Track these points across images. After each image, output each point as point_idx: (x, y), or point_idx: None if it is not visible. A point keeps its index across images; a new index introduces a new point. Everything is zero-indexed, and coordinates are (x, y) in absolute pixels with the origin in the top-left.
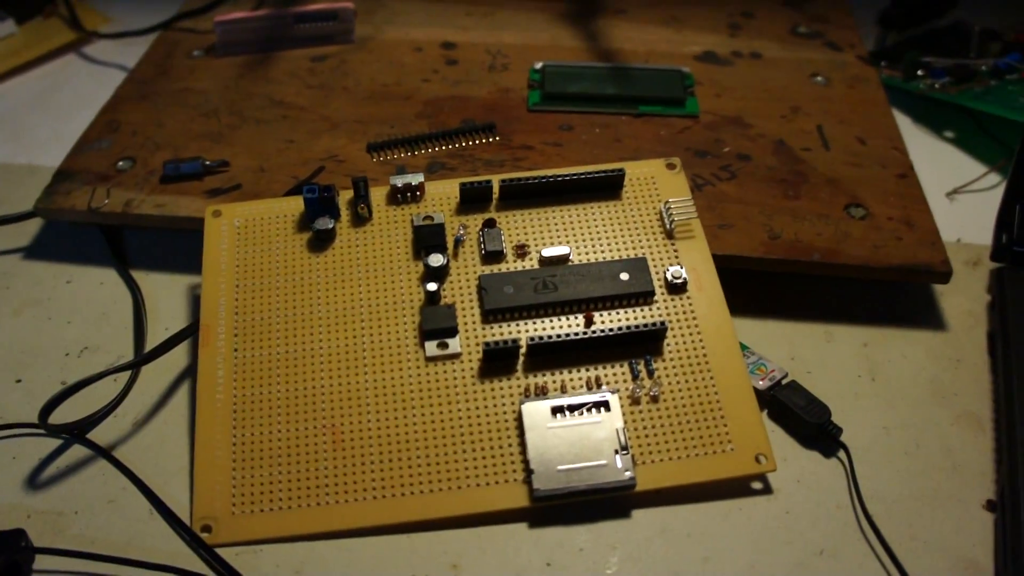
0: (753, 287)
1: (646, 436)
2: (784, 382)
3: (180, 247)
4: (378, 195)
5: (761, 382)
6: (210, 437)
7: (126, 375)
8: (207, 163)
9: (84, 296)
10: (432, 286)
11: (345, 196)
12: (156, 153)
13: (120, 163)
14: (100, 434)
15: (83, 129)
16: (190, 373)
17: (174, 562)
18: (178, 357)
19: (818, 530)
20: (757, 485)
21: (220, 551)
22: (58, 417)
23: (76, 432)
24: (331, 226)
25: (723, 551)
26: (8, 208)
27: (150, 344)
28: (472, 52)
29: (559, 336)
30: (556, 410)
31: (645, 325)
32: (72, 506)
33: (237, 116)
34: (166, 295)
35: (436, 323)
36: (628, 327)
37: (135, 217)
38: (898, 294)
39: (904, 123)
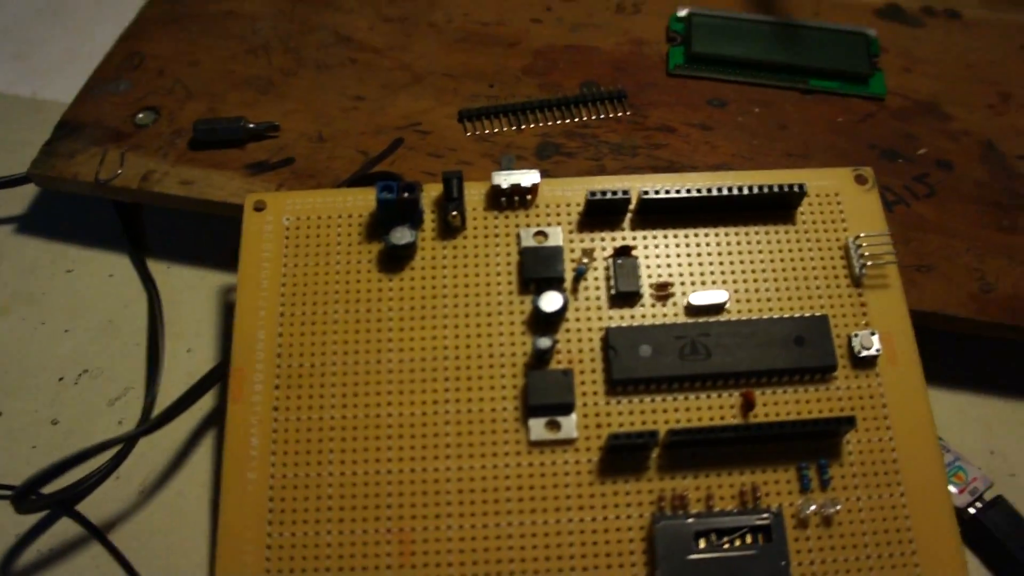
0: (946, 347)
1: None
2: (987, 496)
3: (214, 231)
4: (475, 193)
5: (958, 494)
6: (237, 536)
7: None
8: (251, 125)
9: (88, 293)
10: (545, 343)
11: (431, 191)
12: (186, 104)
13: (140, 115)
14: (94, 506)
15: (101, 52)
16: (216, 423)
17: None
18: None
19: None
20: None
21: None
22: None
23: (63, 503)
24: (411, 240)
25: None
26: (5, 154)
27: (167, 370)
28: None
29: (710, 428)
30: (700, 535)
31: (828, 418)
32: None
33: (293, 56)
34: (191, 298)
35: (547, 395)
36: (804, 420)
37: (154, 196)
38: None
39: None
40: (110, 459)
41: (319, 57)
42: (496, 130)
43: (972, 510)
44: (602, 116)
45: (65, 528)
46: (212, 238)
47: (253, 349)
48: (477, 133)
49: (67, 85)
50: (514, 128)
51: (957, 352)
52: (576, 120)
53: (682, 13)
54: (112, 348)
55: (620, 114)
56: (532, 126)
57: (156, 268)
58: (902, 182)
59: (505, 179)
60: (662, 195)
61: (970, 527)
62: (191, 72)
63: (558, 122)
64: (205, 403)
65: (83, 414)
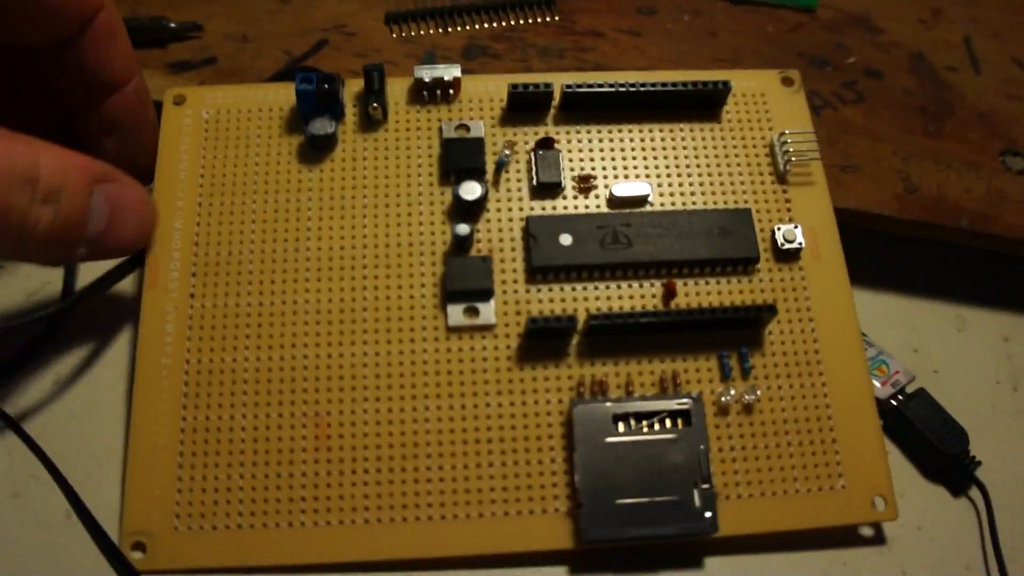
0: (871, 248)
1: (734, 462)
2: (909, 389)
3: None
4: (397, 89)
5: (881, 387)
6: (151, 420)
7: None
8: (173, 25)
9: None
10: (463, 229)
11: (352, 87)
12: None
13: None
14: (8, 396)
15: None
16: (133, 315)
17: None
18: (121, 289)
19: None
20: (867, 532)
21: None
22: None
23: None
24: (331, 131)
25: None
26: None
27: (85, 265)
28: None
29: (630, 312)
30: (619, 418)
31: (749, 305)
32: None
33: None
34: None
35: (465, 281)
36: (725, 307)
37: None
38: None
39: None
40: (25, 346)
41: None
42: (423, 32)
43: (894, 402)
44: (530, 20)
45: None
46: None
47: (170, 237)
48: (403, 35)
49: None
50: (440, 31)
51: (883, 254)
52: (504, 24)
53: None
54: None
55: (548, 19)
56: (459, 29)
57: None
58: (831, 88)
59: (428, 73)
60: (585, 89)
61: (891, 418)
62: None
63: (486, 25)
64: (125, 292)
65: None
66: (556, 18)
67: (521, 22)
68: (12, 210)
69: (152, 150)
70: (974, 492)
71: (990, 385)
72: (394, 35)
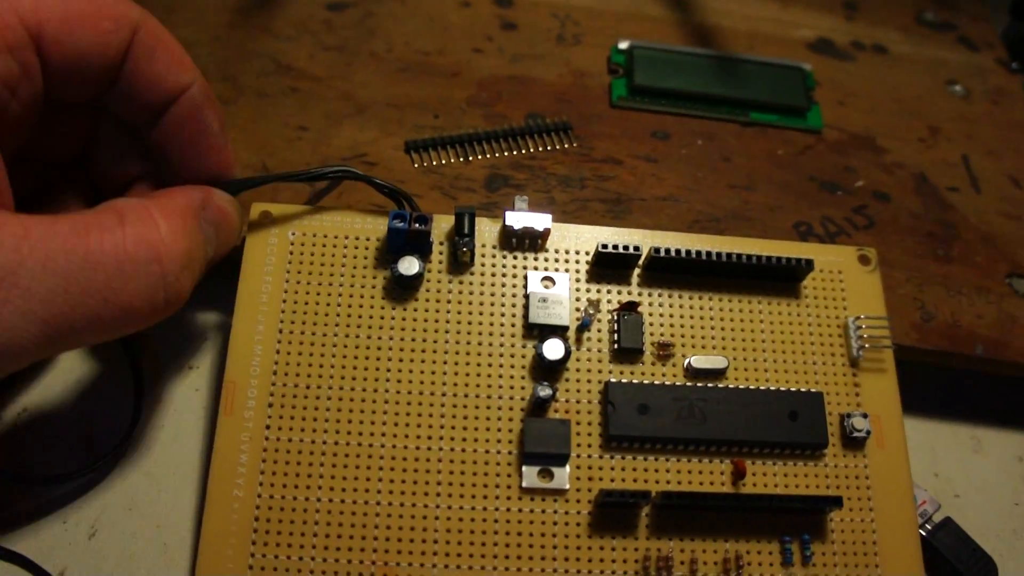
0: None
1: None
2: (936, 518)
3: None
4: (483, 231)
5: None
6: (219, 552)
7: None
8: None
9: None
10: (545, 392)
11: (440, 223)
12: None
13: None
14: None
15: None
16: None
17: None
18: (182, 424)
19: None
20: None
21: None
22: None
23: None
24: (418, 271)
25: None
26: None
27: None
28: (534, 14)
29: (700, 494)
30: None
31: (815, 496)
32: None
33: (231, 84)
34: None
35: (543, 444)
36: (792, 496)
37: None
38: None
39: None
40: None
41: (259, 85)
42: (444, 161)
43: (923, 532)
44: (548, 148)
45: None
46: None
47: (248, 363)
48: (424, 164)
49: None
50: (462, 160)
51: (901, 380)
52: (523, 152)
53: (623, 45)
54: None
55: (567, 145)
56: (480, 157)
57: None
58: (842, 214)
59: (519, 221)
60: (672, 255)
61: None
62: None
63: (505, 154)
64: (188, 430)
65: None
66: (574, 144)
67: (540, 149)
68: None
69: (223, 152)
70: None
71: (1009, 507)
72: (415, 164)
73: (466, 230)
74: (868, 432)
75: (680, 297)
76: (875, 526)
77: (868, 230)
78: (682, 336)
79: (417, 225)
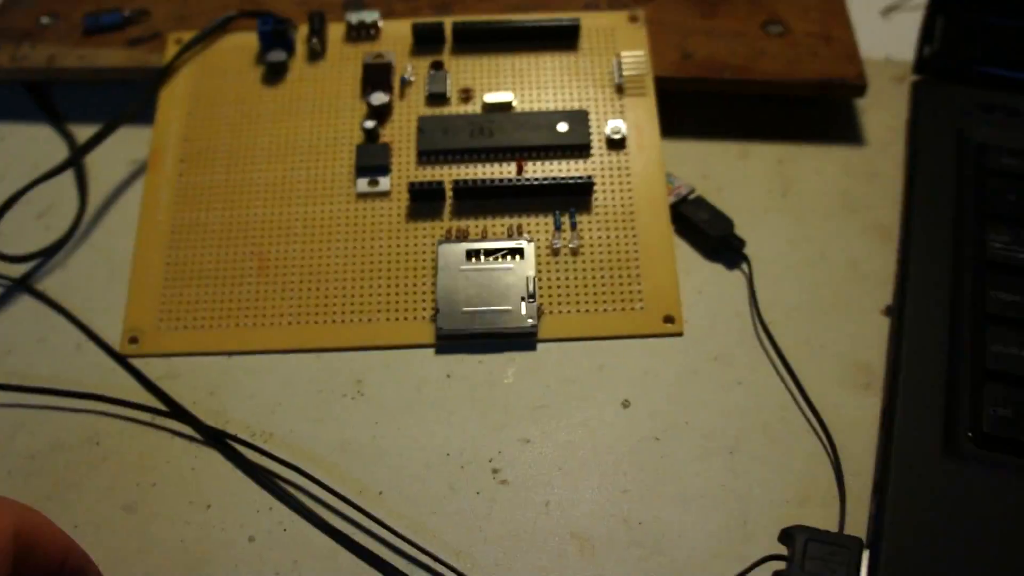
0: (669, 107)
1: (559, 287)
2: (690, 197)
3: (112, 99)
4: (334, 33)
5: (667, 197)
6: (148, 256)
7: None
8: (126, 14)
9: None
10: (370, 124)
11: (303, 30)
12: (77, 7)
13: (43, 18)
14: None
15: None
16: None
17: (100, 390)
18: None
19: (714, 338)
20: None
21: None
22: None
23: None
24: (283, 59)
25: (616, 356)
26: None
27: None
28: None
29: (483, 179)
30: (471, 253)
31: (574, 178)
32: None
33: None
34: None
35: (369, 160)
36: (556, 178)
37: (59, 71)
38: (817, 111)
39: None
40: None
41: None
42: None
43: (677, 207)
44: None
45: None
46: (112, 102)
47: (167, 135)
48: None
49: None
50: None
51: (680, 111)
52: None
53: None
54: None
55: None
56: None
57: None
58: None
59: (355, 17)
60: (470, 27)
61: (677, 219)
62: None
63: None
64: (128, 196)
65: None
66: None
67: None
68: None
69: None
70: (743, 266)
71: (764, 193)
72: None
73: (316, 26)
74: (624, 136)
75: (481, 59)
76: (632, 203)
77: (649, 2)
78: (481, 84)
79: (278, 25)
